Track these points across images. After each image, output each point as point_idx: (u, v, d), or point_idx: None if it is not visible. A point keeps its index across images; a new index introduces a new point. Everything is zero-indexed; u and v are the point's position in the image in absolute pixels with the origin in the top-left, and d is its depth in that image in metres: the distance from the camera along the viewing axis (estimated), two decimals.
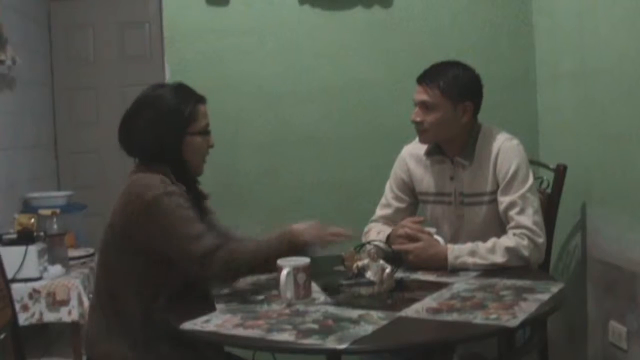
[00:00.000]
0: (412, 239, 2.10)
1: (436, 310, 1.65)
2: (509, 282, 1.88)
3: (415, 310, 1.67)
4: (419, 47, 2.92)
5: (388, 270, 1.83)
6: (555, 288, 1.81)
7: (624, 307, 2.23)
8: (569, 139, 2.65)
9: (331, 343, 1.46)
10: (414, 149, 2.34)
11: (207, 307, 1.77)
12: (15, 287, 2.99)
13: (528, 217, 2.10)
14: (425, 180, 2.32)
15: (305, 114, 2.96)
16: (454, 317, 1.60)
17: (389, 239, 2.16)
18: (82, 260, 3.52)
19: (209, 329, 1.61)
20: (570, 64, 2.62)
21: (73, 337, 3.23)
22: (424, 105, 2.17)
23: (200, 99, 1.98)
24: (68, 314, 3.14)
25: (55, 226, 3.39)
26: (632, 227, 2.18)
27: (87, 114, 5.15)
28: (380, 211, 2.40)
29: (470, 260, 2.04)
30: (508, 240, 2.08)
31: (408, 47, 2.94)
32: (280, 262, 1.79)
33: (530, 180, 2.16)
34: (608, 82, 2.31)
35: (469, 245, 2.07)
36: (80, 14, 5.15)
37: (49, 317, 3.14)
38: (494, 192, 2.19)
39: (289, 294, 1.76)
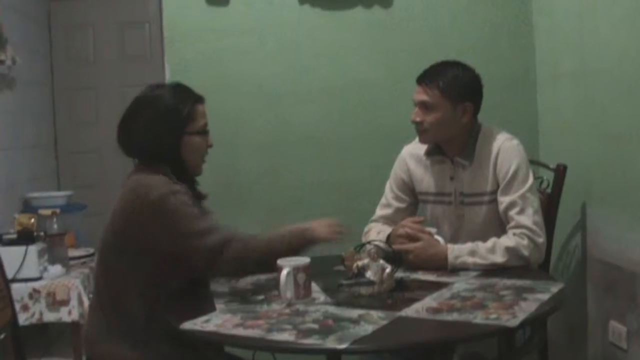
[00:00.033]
0: (412, 238, 2.10)
1: (436, 310, 1.65)
2: (509, 282, 1.88)
3: (416, 310, 1.67)
4: (419, 47, 2.92)
5: (388, 270, 1.83)
6: (555, 288, 1.81)
7: (624, 307, 2.23)
8: (569, 139, 2.65)
9: (331, 343, 1.46)
10: (414, 149, 2.34)
11: (207, 307, 1.77)
12: (15, 287, 2.99)
13: (528, 217, 2.10)
14: (425, 180, 2.32)
15: (305, 114, 2.96)
16: (454, 317, 1.60)
17: (389, 239, 2.16)
18: (82, 260, 3.52)
19: (209, 329, 1.61)
20: (570, 64, 2.62)
21: (73, 337, 3.23)
22: (423, 106, 2.17)
23: (199, 99, 1.99)
24: (68, 314, 3.14)
25: (55, 226, 3.39)
26: (632, 227, 2.18)
27: (87, 114, 5.15)
28: (380, 211, 2.40)
29: (470, 260, 2.04)
30: (508, 240, 2.08)
31: (408, 47, 2.94)
32: (280, 262, 1.79)
33: (530, 180, 2.16)
34: (608, 82, 2.31)
35: (469, 245, 2.07)
36: (80, 14, 5.15)
37: (49, 317, 3.14)
38: (494, 192, 2.19)
39: (289, 293, 1.76)
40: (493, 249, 2.05)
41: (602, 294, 2.40)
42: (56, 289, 3.13)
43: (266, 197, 2.92)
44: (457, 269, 2.03)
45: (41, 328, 3.49)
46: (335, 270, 2.02)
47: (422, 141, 2.25)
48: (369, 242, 2.06)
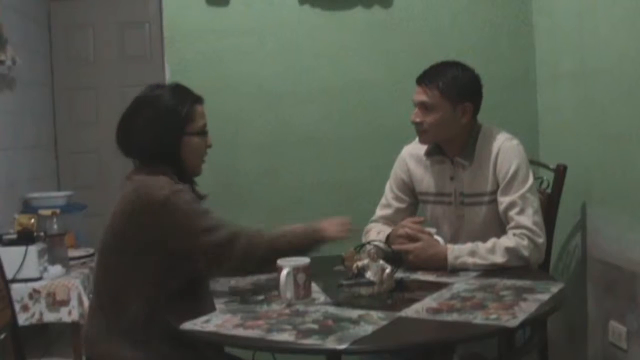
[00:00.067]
0: (412, 239, 2.10)
1: (436, 311, 1.65)
2: (509, 282, 1.88)
3: (415, 310, 1.67)
4: (419, 47, 2.92)
5: (388, 270, 1.83)
6: (555, 288, 1.81)
7: (624, 307, 2.23)
8: (569, 139, 2.65)
9: (331, 343, 1.46)
10: (414, 149, 2.34)
11: (207, 307, 1.77)
12: (15, 287, 3.00)
13: (528, 217, 2.10)
14: (425, 180, 2.32)
15: (305, 114, 2.96)
16: (454, 317, 1.60)
17: (388, 239, 2.16)
18: (82, 261, 3.52)
19: (208, 329, 1.61)
20: (570, 64, 2.62)
21: (73, 337, 3.23)
22: (423, 106, 2.17)
23: (198, 99, 1.99)
24: (68, 314, 3.14)
25: (55, 226, 3.39)
26: (632, 227, 2.18)
27: (87, 114, 5.15)
28: (380, 211, 2.40)
29: (470, 260, 2.04)
30: (508, 240, 2.08)
31: (408, 47, 2.94)
32: (280, 262, 1.79)
33: (530, 181, 2.16)
34: (608, 82, 2.31)
35: (468, 246, 2.07)
36: (80, 14, 5.15)
37: (49, 317, 3.14)
38: (494, 192, 2.19)
39: (288, 294, 1.76)
40: (493, 249, 2.05)
41: (602, 294, 2.40)
42: (56, 289, 3.13)
43: (266, 198, 2.92)
44: (457, 270, 2.03)
45: (41, 328, 3.49)
46: (335, 271, 2.02)
47: (422, 142, 2.25)
48: (368, 243, 2.05)
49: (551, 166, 2.51)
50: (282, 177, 2.96)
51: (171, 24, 2.93)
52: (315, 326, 1.57)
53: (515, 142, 2.21)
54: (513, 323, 1.54)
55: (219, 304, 1.81)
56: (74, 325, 3.17)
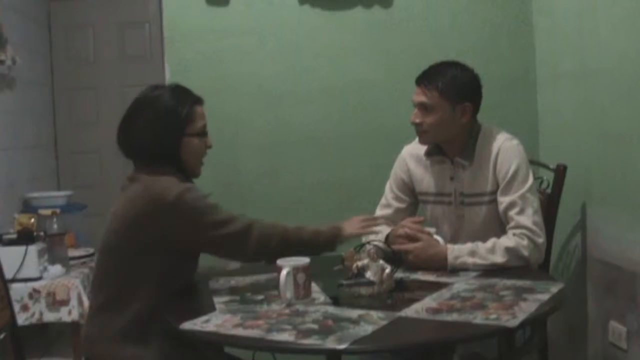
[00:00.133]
0: (411, 239, 2.10)
1: (436, 311, 1.65)
2: (508, 282, 1.88)
3: (415, 310, 1.67)
4: (419, 47, 2.92)
5: (388, 270, 1.83)
6: (555, 288, 1.81)
7: (624, 307, 2.23)
8: (569, 139, 2.65)
9: (331, 343, 1.46)
10: (414, 149, 2.34)
11: (207, 307, 1.77)
12: (15, 287, 3.00)
13: (528, 217, 2.10)
14: (425, 180, 2.32)
15: (305, 115, 2.96)
16: (454, 317, 1.60)
17: (388, 239, 2.16)
18: (82, 260, 3.52)
19: (208, 329, 1.61)
20: (570, 64, 2.62)
21: (73, 337, 3.23)
22: (423, 107, 2.17)
23: (198, 100, 1.99)
24: (68, 314, 3.14)
25: (55, 226, 3.39)
26: (632, 227, 2.18)
27: (87, 114, 5.15)
28: (380, 211, 2.40)
29: (470, 260, 2.04)
30: (508, 240, 2.08)
31: (408, 47, 2.95)
32: (280, 262, 1.79)
33: (530, 181, 2.16)
34: (608, 82, 2.31)
35: (468, 246, 2.07)
36: (80, 14, 5.15)
37: (49, 317, 3.14)
38: (494, 192, 2.19)
39: (288, 294, 1.76)
40: (493, 249, 2.05)
41: (602, 294, 2.40)
42: (56, 289, 3.13)
43: (266, 198, 2.92)
44: (456, 269, 2.03)
45: (41, 328, 3.49)
46: (335, 271, 2.02)
47: (422, 142, 2.25)
48: (368, 242, 2.06)
49: (551, 166, 2.51)
50: (282, 177, 2.96)
51: (171, 24, 2.93)
52: (315, 326, 1.57)
53: (515, 142, 2.21)
54: (513, 323, 1.54)
55: (218, 304, 1.81)
56: (74, 325, 3.18)
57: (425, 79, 2.17)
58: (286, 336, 1.51)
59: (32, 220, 3.33)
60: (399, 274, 1.95)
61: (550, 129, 2.88)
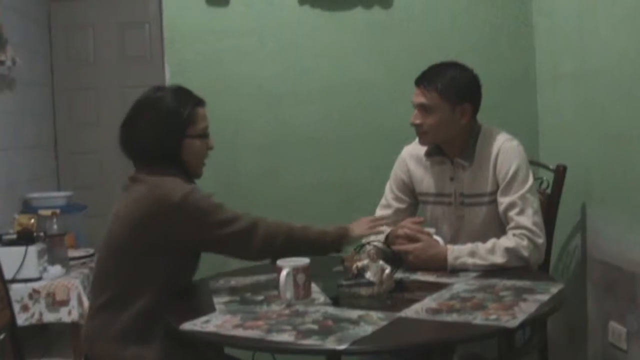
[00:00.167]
0: (411, 239, 2.10)
1: (436, 311, 1.65)
2: (508, 282, 1.88)
3: (415, 310, 1.67)
4: (418, 47, 2.92)
5: (388, 270, 1.83)
6: (555, 289, 1.81)
7: (624, 308, 2.23)
8: (569, 140, 2.65)
9: (331, 344, 1.46)
10: (414, 150, 2.34)
11: (206, 308, 1.77)
12: (15, 287, 3.00)
13: (528, 218, 2.10)
14: (426, 180, 2.32)
15: (305, 115, 2.96)
16: (454, 317, 1.60)
17: (387, 240, 2.16)
18: (82, 261, 3.52)
19: (208, 329, 1.61)
20: (570, 64, 2.62)
21: (73, 338, 3.22)
22: (422, 108, 2.17)
23: (199, 102, 2.00)
24: (68, 314, 3.14)
25: (55, 226, 3.39)
26: (632, 227, 2.18)
27: (87, 115, 5.16)
28: (380, 211, 2.40)
29: (470, 260, 2.04)
30: (508, 240, 2.08)
31: (408, 47, 2.95)
32: (279, 262, 1.79)
33: (530, 181, 2.16)
34: (608, 82, 2.31)
35: (468, 246, 2.07)
36: (81, 14, 5.15)
37: (49, 317, 3.14)
38: (494, 193, 2.19)
39: (288, 294, 1.76)
40: (493, 250, 2.05)
41: (602, 294, 2.40)
42: (56, 289, 3.13)
43: (266, 198, 2.92)
44: (456, 270, 2.03)
45: (41, 328, 3.49)
46: (335, 271, 2.02)
47: (422, 143, 2.25)
48: (368, 243, 2.06)
49: (551, 167, 2.51)
50: (282, 177, 2.96)
51: (171, 24, 2.93)
52: (315, 326, 1.57)
53: (515, 142, 2.21)
54: (513, 323, 1.54)
55: (218, 304, 1.81)
56: (74, 326, 3.17)
57: (425, 80, 2.17)
58: (286, 337, 1.51)
59: (32, 220, 3.33)
60: (399, 275, 1.95)
61: (550, 129, 2.88)
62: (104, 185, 4.92)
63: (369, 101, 2.97)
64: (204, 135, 2.00)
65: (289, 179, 2.96)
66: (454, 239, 2.23)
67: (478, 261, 2.04)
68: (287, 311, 1.70)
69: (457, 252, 2.05)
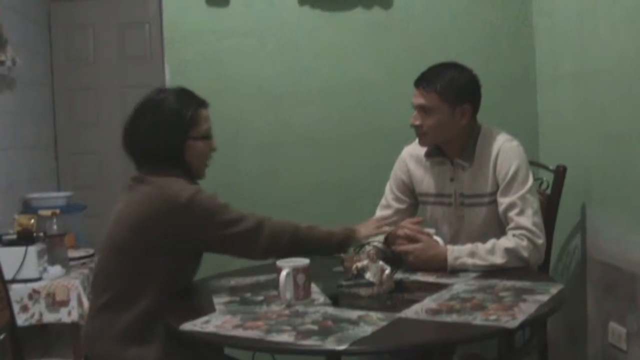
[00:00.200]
0: (411, 240, 2.10)
1: (436, 312, 1.65)
2: (508, 283, 1.88)
3: (415, 311, 1.67)
4: (419, 48, 2.92)
5: (387, 271, 1.83)
6: (554, 289, 1.81)
7: (624, 308, 2.23)
8: (569, 140, 2.65)
9: (330, 344, 1.46)
10: (414, 150, 2.34)
11: (206, 308, 1.77)
12: (14, 287, 3.00)
13: (527, 218, 2.09)
14: (425, 181, 2.32)
15: (305, 115, 2.96)
16: (454, 318, 1.60)
17: (387, 240, 2.16)
18: (82, 261, 3.52)
19: (208, 329, 1.61)
20: (570, 65, 2.62)
21: (73, 338, 3.22)
22: (422, 109, 2.17)
23: (202, 103, 2.01)
24: (68, 315, 3.14)
25: (55, 227, 3.39)
26: (632, 228, 2.18)
27: (87, 115, 5.15)
28: (380, 212, 2.40)
29: (469, 261, 2.04)
30: (507, 241, 2.07)
31: (408, 48, 2.95)
32: (279, 263, 1.79)
33: (530, 182, 2.16)
34: (608, 83, 2.31)
35: (468, 246, 2.07)
36: (80, 14, 5.15)
37: (49, 317, 3.14)
38: (493, 193, 2.19)
39: (288, 294, 1.76)
40: (492, 250, 2.05)
41: (602, 295, 2.40)
42: (56, 289, 3.13)
43: (266, 198, 2.92)
44: (456, 270, 2.03)
45: (41, 329, 3.49)
46: (334, 272, 2.02)
47: (422, 144, 2.25)
48: (368, 243, 2.06)
49: (551, 167, 2.51)
50: (282, 177, 2.96)
51: (171, 24, 2.93)
52: (315, 327, 1.57)
53: (515, 143, 2.21)
54: (513, 324, 1.54)
55: (218, 304, 1.81)
56: (74, 326, 3.17)
57: (424, 81, 2.17)
58: (286, 337, 1.51)
59: (32, 220, 3.33)
60: (399, 275, 1.95)
61: (550, 129, 2.88)
62: (104, 185, 4.92)
63: (369, 101, 2.97)
64: (206, 136, 2.01)
65: (289, 179, 2.96)
66: (453, 240, 2.23)
67: (478, 262, 2.04)
68: (286, 311, 1.70)
69: (457, 253, 2.05)
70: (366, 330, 1.53)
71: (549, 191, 2.48)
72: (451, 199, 2.26)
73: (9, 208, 3.82)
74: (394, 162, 2.41)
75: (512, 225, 2.11)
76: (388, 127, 2.91)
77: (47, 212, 3.53)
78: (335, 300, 1.79)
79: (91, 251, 3.61)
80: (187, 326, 1.64)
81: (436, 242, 2.10)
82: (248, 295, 1.89)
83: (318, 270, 1.87)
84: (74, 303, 3.13)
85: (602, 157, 2.37)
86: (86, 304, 3.11)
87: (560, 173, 2.45)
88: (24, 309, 3.09)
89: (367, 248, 1.97)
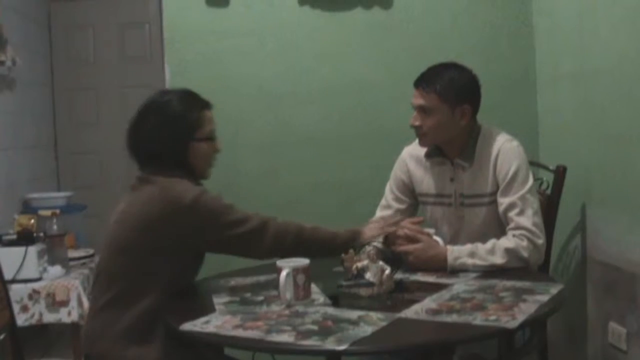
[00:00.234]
0: (411, 240, 2.10)
1: (436, 312, 1.65)
2: (508, 283, 1.88)
3: (415, 311, 1.67)
4: (418, 48, 2.92)
5: (387, 271, 1.83)
6: (554, 289, 1.81)
7: (624, 309, 2.23)
8: (569, 140, 2.65)
9: (330, 344, 1.46)
10: (414, 150, 2.34)
11: (206, 308, 1.77)
12: (14, 287, 3.00)
13: (528, 218, 2.09)
14: (426, 181, 2.32)
15: (305, 115, 2.96)
16: (454, 318, 1.60)
17: (387, 240, 2.16)
18: (82, 261, 3.52)
19: (208, 330, 1.61)
20: (570, 64, 2.62)
21: (73, 338, 3.22)
22: (421, 110, 2.17)
23: (206, 105, 2.02)
24: (68, 315, 3.14)
25: (55, 227, 3.39)
26: (632, 228, 2.18)
27: (87, 115, 5.15)
28: (380, 212, 2.40)
29: (469, 261, 2.04)
30: (507, 241, 2.07)
31: (408, 48, 2.95)
32: (279, 263, 1.79)
33: (530, 182, 2.16)
34: (608, 83, 2.31)
35: (468, 247, 2.07)
36: (80, 14, 5.15)
37: (49, 317, 3.14)
38: (494, 194, 2.19)
39: (288, 295, 1.76)
40: (492, 250, 2.05)
41: (602, 295, 2.40)
42: (56, 289, 3.13)
43: (266, 198, 2.92)
44: (456, 270, 2.03)
45: (41, 329, 3.49)
46: (334, 272, 2.02)
47: (422, 144, 2.25)
48: (368, 243, 2.05)
49: (551, 167, 2.51)
50: (282, 177, 2.96)
51: (171, 24, 2.93)
52: (315, 327, 1.57)
53: (515, 143, 2.21)
54: (512, 324, 1.54)
55: (218, 305, 1.81)
56: (74, 326, 3.17)
57: (423, 81, 2.17)
58: (286, 337, 1.51)
59: (32, 221, 3.33)
60: (399, 275, 1.95)
61: (550, 129, 2.88)
62: (104, 185, 4.92)
63: (369, 101, 2.97)
64: (211, 138, 2.02)
65: (289, 179, 2.96)
66: (453, 240, 2.23)
67: (478, 262, 2.04)
68: (286, 312, 1.70)
69: (457, 253, 2.05)
70: (366, 330, 1.53)
71: (549, 191, 2.48)
72: (451, 199, 2.26)
73: (9, 208, 3.82)
74: (394, 162, 2.40)
75: (512, 225, 2.11)
76: (388, 127, 2.91)
77: (47, 212, 3.53)
78: (335, 301, 1.80)
79: (91, 251, 3.61)
80: (187, 326, 1.64)
81: (436, 242, 2.10)
82: (248, 295, 1.89)
83: (318, 270, 1.87)
84: (74, 303, 3.13)
85: (602, 157, 2.37)
86: (86, 304, 3.11)
87: (560, 173, 2.45)
88: (24, 309, 3.09)
89: (367, 248, 1.97)
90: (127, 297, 1.87)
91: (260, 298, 1.84)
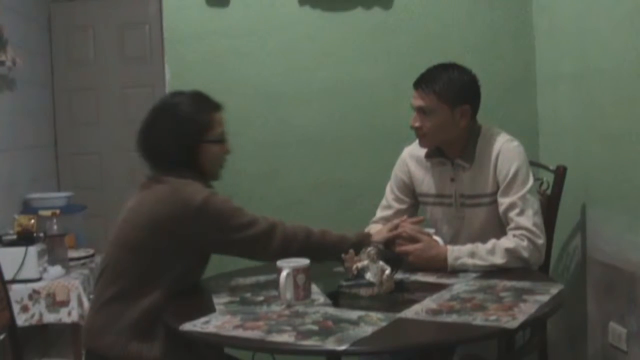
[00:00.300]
0: (411, 240, 2.10)
1: (436, 312, 1.65)
2: (508, 283, 1.88)
3: (415, 311, 1.67)
4: (419, 48, 2.92)
5: (388, 271, 1.83)
6: (554, 289, 1.81)
7: (624, 309, 2.23)
8: (569, 141, 2.65)
9: (331, 344, 1.46)
10: (415, 151, 2.34)
11: (206, 308, 1.77)
12: (15, 287, 3.01)
13: (528, 219, 2.09)
14: (426, 181, 2.32)
15: (305, 115, 2.96)
16: (454, 318, 1.60)
17: (387, 240, 2.16)
18: (82, 261, 3.52)
19: (208, 330, 1.61)
20: (571, 65, 2.62)
21: (73, 338, 3.23)
22: (421, 111, 2.17)
23: (216, 107, 2.04)
24: (68, 315, 3.14)
25: (55, 227, 3.40)
26: (632, 228, 2.18)
27: (87, 115, 5.14)
28: (380, 212, 2.40)
29: (470, 261, 2.04)
30: (508, 241, 2.07)
31: (408, 48, 2.94)
32: (279, 263, 1.80)
33: (530, 182, 2.16)
34: (608, 83, 2.31)
35: (468, 247, 2.07)
36: (81, 15, 5.14)
37: (49, 318, 3.14)
38: (494, 194, 2.19)
39: (288, 295, 1.76)
40: (493, 251, 2.05)
41: (602, 295, 2.40)
42: (56, 289, 3.13)
43: (266, 198, 2.92)
44: (456, 271, 2.03)
45: (41, 329, 3.49)
46: (334, 272, 2.02)
47: (422, 145, 2.25)
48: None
49: (551, 167, 2.51)
50: (282, 177, 2.96)
51: (171, 25, 2.93)
52: (315, 327, 1.57)
53: (515, 143, 2.21)
54: (513, 324, 1.54)
55: (218, 305, 1.81)
56: (74, 326, 3.18)
57: (423, 82, 2.17)
58: (286, 337, 1.51)
59: (32, 221, 3.33)
60: (399, 275, 1.95)
61: (550, 130, 2.88)
62: (104, 185, 4.91)
63: (370, 102, 2.97)
64: (221, 140, 2.03)
65: (289, 178, 2.96)
66: (454, 240, 2.23)
67: (478, 262, 2.04)
68: (287, 312, 1.70)
69: (457, 253, 2.05)
70: (366, 330, 1.53)
71: (549, 191, 2.47)
72: (451, 200, 2.26)
73: (9, 208, 3.82)
74: (394, 162, 2.40)
75: (512, 225, 2.11)
76: (388, 127, 2.91)
77: (47, 213, 3.53)
78: (335, 301, 1.80)
79: (91, 251, 3.61)
80: (187, 326, 1.64)
81: (436, 242, 2.10)
82: (248, 295, 1.89)
83: (318, 270, 1.87)
84: (74, 303, 3.13)
85: (603, 158, 2.37)
86: (86, 304, 3.11)
87: (560, 173, 2.45)
88: (24, 309, 3.09)
89: (368, 248, 1.97)
90: (132, 293, 1.88)
91: (261, 298, 1.85)
